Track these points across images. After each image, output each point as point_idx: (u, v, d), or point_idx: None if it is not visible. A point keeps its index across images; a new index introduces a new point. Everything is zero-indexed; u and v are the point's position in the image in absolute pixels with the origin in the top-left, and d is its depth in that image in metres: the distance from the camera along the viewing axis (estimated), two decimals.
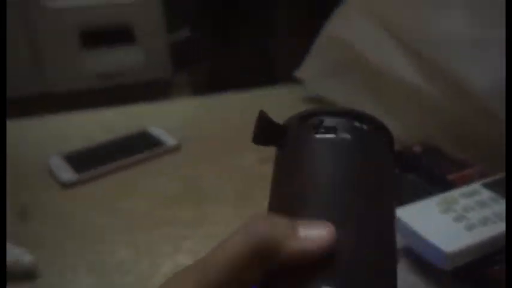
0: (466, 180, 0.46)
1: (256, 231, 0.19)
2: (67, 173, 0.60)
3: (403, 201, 0.44)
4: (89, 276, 0.44)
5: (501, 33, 0.48)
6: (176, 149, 0.66)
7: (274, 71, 0.99)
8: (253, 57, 1.04)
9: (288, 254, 0.19)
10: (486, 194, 0.41)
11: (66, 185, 0.59)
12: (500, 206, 0.39)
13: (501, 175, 0.44)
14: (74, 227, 0.52)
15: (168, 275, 0.20)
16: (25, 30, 1.12)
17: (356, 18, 0.69)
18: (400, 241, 0.43)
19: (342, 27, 0.71)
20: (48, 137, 0.74)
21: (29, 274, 0.44)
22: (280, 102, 0.75)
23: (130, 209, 0.54)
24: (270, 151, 0.24)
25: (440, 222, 0.38)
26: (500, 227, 0.37)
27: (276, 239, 0.19)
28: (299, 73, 0.79)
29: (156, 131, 0.69)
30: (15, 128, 0.70)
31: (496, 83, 0.47)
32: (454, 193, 0.42)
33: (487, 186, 0.42)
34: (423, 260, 0.38)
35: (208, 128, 0.72)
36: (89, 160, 0.63)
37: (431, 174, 0.49)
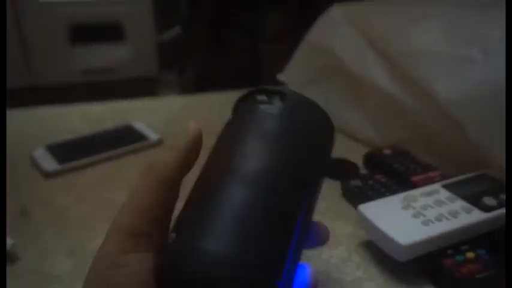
0: (428, 182, 0.49)
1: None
2: (50, 163, 0.62)
3: (371, 198, 0.47)
4: (68, 260, 0.46)
5: (472, 52, 0.51)
6: (158, 143, 0.68)
7: (261, 72, 1.01)
8: (242, 58, 1.06)
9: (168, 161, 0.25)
10: (444, 194, 0.44)
11: (48, 175, 0.61)
12: (455, 205, 0.42)
13: (459, 178, 0.47)
14: (54, 214, 0.54)
15: None
16: (14, 22, 1.13)
17: (338, 27, 0.71)
18: (363, 235, 0.46)
19: (325, 35, 0.74)
20: (33, 129, 0.75)
21: (9, 256, 0.45)
22: None
23: (111, 199, 0.56)
24: None
25: (400, 218, 0.41)
26: (453, 224, 0.40)
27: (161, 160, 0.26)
28: (282, 76, 0.82)
29: (140, 126, 0.71)
30: None
31: (462, 95, 0.50)
32: (416, 192, 0.45)
33: (446, 187, 0.45)
34: (383, 252, 0.41)
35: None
36: (72, 151, 0.65)
37: (398, 175, 0.52)
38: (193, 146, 0.27)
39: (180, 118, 0.78)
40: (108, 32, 1.00)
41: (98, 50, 0.97)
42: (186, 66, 1.10)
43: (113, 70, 0.96)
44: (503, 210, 0.42)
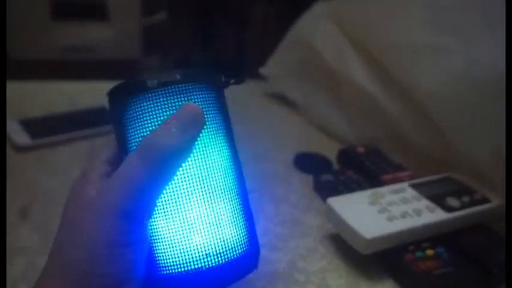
0: (397, 181, 0.50)
1: None
2: (22, 137, 0.61)
3: (341, 193, 0.48)
4: (33, 234, 0.45)
5: (455, 42, 0.52)
6: None
7: (244, 63, 1.02)
8: (225, 47, 1.06)
9: None
10: (410, 193, 0.46)
11: (20, 149, 0.60)
12: (420, 204, 0.44)
13: (426, 179, 0.49)
14: (23, 188, 0.53)
15: None
16: None
17: (321, 23, 0.72)
18: (330, 228, 0.47)
19: (307, 30, 0.75)
20: (9, 103, 0.74)
21: None
22: (243, 96, 0.78)
23: None
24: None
25: (366, 213, 0.42)
26: (416, 221, 0.41)
27: None
28: (264, 70, 0.83)
29: None
30: None
31: (441, 88, 0.51)
32: (383, 189, 0.46)
33: (412, 186, 0.47)
34: (347, 245, 0.42)
35: None
36: (46, 127, 0.64)
37: (368, 173, 0.54)
38: None
39: None
40: (91, 10, 0.98)
41: (80, 27, 0.95)
42: (169, 51, 1.09)
43: (94, 49, 0.94)
44: (464, 212, 0.43)
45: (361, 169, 0.55)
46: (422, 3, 0.61)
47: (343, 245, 0.43)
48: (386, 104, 0.59)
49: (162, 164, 0.25)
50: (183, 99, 0.27)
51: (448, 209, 0.43)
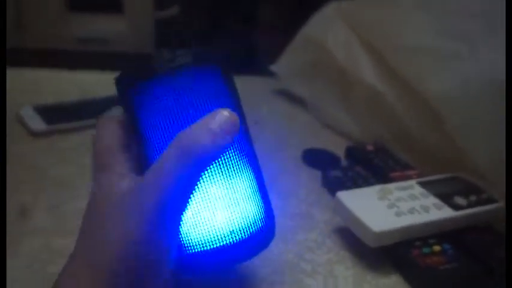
0: (405, 179, 0.51)
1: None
2: (37, 123, 0.62)
3: (349, 188, 0.49)
4: (47, 217, 0.46)
5: (459, 46, 0.53)
6: None
7: (255, 60, 1.02)
8: (238, 45, 1.07)
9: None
10: (418, 190, 0.46)
11: (34, 134, 0.61)
12: (428, 201, 0.44)
13: (434, 177, 0.49)
14: (35, 172, 0.54)
15: None
16: None
17: (332, 23, 0.73)
18: (337, 222, 0.47)
19: (319, 30, 0.76)
20: (22, 90, 0.75)
21: None
22: (253, 92, 0.79)
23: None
24: None
25: (375, 207, 0.43)
26: (424, 218, 0.42)
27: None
28: (275, 67, 0.83)
29: None
30: None
31: (450, 91, 0.52)
32: (392, 186, 0.47)
33: (420, 184, 0.48)
34: (355, 239, 0.43)
35: None
36: (61, 114, 0.65)
37: (377, 170, 0.54)
38: None
39: None
40: (106, 2, 0.99)
41: (95, 19, 0.96)
42: (181, 46, 1.10)
43: (108, 41, 0.96)
44: (471, 210, 0.44)
45: (369, 166, 0.55)
46: (433, 9, 0.62)
47: (351, 239, 0.44)
48: (395, 104, 0.60)
49: (201, 164, 0.27)
50: (193, 81, 0.28)
51: (455, 207, 0.44)
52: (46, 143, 0.61)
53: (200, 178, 0.28)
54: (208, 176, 0.28)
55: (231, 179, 0.29)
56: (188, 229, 0.29)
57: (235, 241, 0.29)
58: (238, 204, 0.29)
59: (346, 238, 0.45)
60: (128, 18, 1.02)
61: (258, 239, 0.30)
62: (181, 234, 0.29)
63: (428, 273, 0.39)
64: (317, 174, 0.56)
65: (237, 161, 0.29)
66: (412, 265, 0.40)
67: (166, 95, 0.28)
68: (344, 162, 0.60)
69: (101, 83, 0.80)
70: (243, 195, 0.29)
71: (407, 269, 0.41)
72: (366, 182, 0.52)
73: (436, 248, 0.41)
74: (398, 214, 0.42)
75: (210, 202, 0.28)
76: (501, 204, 0.46)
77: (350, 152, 0.60)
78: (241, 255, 0.30)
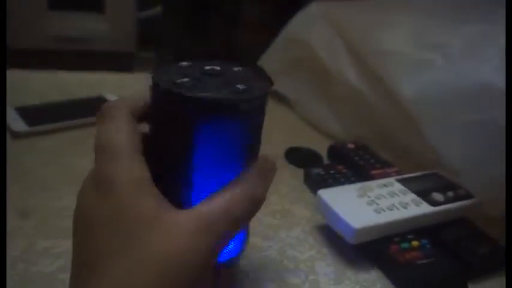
0: (385, 176, 0.52)
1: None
2: (18, 124, 0.62)
3: (331, 186, 0.50)
4: (31, 218, 0.46)
5: (435, 56, 0.55)
6: None
7: (237, 60, 1.03)
8: (219, 44, 1.08)
9: None
10: (397, 187, 0.47)
11: (16, 135, 0.61)
12: (406, 197, 0.46)
13: (413, 174, 0.51)
14: (18, 173, 0.54)
15: None
16: None
17: (316, 22, 0.74)
18: (319, 219, 0.48)
19: (302, 29, 0.76)
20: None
21: None
22: None
23: (75, 164, 0.56)
24: None
25: (355, 204, 0.44)
26: (402, 214, 0.43)
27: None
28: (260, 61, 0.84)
29: (112, 99, 0.71)
30: None
31: (422, 95, 0.53)
32: (372, 183, 0.48)
33: (399, 181, 0.49)
34: (336, 236, 0.43)
35: None
36: (42, 115, 0.64)
37: (358, 168, 0.55)
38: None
39: None
40: (88, 2, 0.99)
41: (76, 18, 0.95)
42: (163, 45, 1.10)
43: (88, 40, 0.95)
44: (448, 206, 0.45)
45: (350, 164, 0.56)
46: (414, 17, 0.63)
47: (332, 236, 0.45)
48: (375, 103, 0.61)
49: (257, 210, 0.29)
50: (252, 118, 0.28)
51: (433, 203, 0.45)
52: (28, 144, 0.60)
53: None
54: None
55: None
56: None
57: None
58: None
59: (328, 235, 0.46)
60: (109, 17, 1.01)
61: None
62: None
63: (406, 268, 0.40)
64: (299, 172, 0.57)
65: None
66: (391, 260, 0.41)
67: (233, 131, 0.27)
68: (326, 160, 0.61)
69: (82, 84, 0.80)
70: None
71: (387, 264, 0.42)
72: (347, 180, 0.53)
73: (415, 243, 0.42)
74: (377, 211, 0.43)
75: None
76: (477, 199, 0.47)
77: (332, 151, 0.61)
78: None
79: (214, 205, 0.26)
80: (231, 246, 0.31)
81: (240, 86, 0.27)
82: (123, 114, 0.28)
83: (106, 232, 0.24)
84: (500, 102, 0.46)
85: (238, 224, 0.27)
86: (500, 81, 0.46)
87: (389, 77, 0.57)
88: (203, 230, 0.25)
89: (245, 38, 1.09)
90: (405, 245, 0.42)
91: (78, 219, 0.27)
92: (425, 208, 0.44)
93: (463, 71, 0.50)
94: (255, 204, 0.28)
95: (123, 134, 0.27)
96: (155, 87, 0.28)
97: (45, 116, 0.64)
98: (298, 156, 0.60)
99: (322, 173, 0.55)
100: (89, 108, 0.68)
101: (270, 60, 0.83)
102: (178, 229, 0.24)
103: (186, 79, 0.27)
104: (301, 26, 0.77)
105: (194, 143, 0.26)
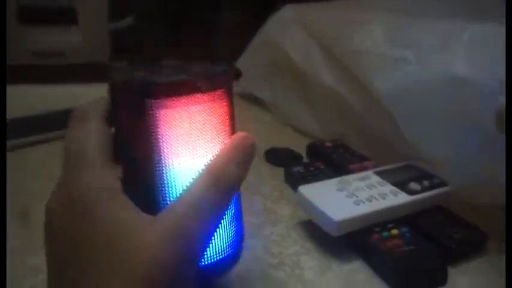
0: (363, 170, 0.53)
1: None
2: None
3: (310, 182, 0.51)
4: (19, 231, 0.46)
5: (407, 53, 0.56)
6: None
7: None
8: (195, 52, 1.08)
9: None
10: (375, 179, 0.49)
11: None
12: (384, 188, 0.47)
13: (390, 166, 0.52)
14: (10, 187, 0.53)
15: None
16: None
17: (289, 26, 0.75)
18: (301, 215, 0.49)
19: (276, 33, 0.78)
20: None
21: None
22: None
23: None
24: None
25: (335, 198, 0.45)
26: (381, 204, 0.44)
27: None
28: (238, 64, 0.85)
29: None
30: None
31: (396, 91, 0.55)
32: (350, 177, 0.49)
33: (377, 173, 0.50)
34: (318, 230, 0.44)
35: None
36: (24, 128, 0.64)
37: (336, 164, 0.57)
38: None
39: None
40: (59, 14, 0.98)
41: (48, 32, 0.95)
42: (138, 55, 1.10)
43: (63, 54, 0.94)
44: (425, 194, 0.47)
45: (329, 161, 0.58)
46: (386, 16, 0.65)
47: (314, 231, 0.45)
48: (352, 102, 0.62)
49: (233, 195, 0.28)
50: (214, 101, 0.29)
51: (411, 192, 0.46)
52: (15, 157, 0.59)
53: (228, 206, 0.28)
54: None
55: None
56: None
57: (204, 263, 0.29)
58: (223, 233, 0.30)
59: (310, 230, 0.47)
60: (82, 29, 1.01)
61: (220, 264, 0.31)
62: None
63: (387, 255, 0.41)
64: (280, 171, 0.58)
65: None
66: (372, 249, 0.42)
67: (193, 114, 0.27)
68: (305, 159, 0.62)
69: (62, 95, 0.79)
70: (226, 228, 0.31)
71: (369, 254, 0.43)
72: (326, 176, 0.54)
73: (394, 231, 0.44)
74: (357, 203, 0.44)
75: None
76: (452, 187, 0.49)
77: (310, 149, 0.62)
78: (204, 278, 0.30)
79: (181, 204, 0.26)
80: (217, 248, 0.30)
81: (194, 72, 0.28)
82: (93, 117, 0.28)
83: (89, 250, 0.24)
84: (469, 93, 0.48)
85: (210, 216, 0.26)
86: (467, 72, 0.48)
87: (364, 76, 0.59)
88: (174, 234, 0.24)
89: (223, 44, 1.10)
90: (385, 233, 0.43)
91: (55, 237, 0.26)
92: (403, 198, 0.46)
93: (432, 65, 0.52)
94: (225, 190, 0.27)
95: (95, 139, 0.27)
96: (110, 86, 0.28)
97: (28, 128, 0.64)
98: (277, 156, 0.61)
99: (302, 170, 0.56)
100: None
101: (246, 63, 0.84)
102: (152, 237, 0.24)
103: (140, 74, 0.28)
104: (275, 29, 0.79)
105: (154, 133, 0.26)
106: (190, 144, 0.28)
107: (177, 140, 0.27)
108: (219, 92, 0.29)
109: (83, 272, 0.24)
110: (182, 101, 0.27)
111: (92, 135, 0.27)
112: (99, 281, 0.23)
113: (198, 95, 0.27)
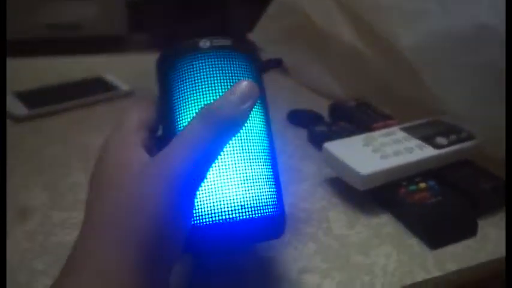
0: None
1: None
2: (19, 108, 0.62)
3: (333, 140, 0.51)
4: (43, 192, 0.47)
5: (430, 5, 0.55)
6: (129, 94, 0.69)
7: (232, 33, 1.03)
8: (211, 21, 1.07)
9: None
10: (401, 135, 0.48)
11: (17, 120, 0.61)
12: (411, 143, 0.46)
13: (416, 122, 0.51)
14: (26, 155, 0.54)
15: None
16: None
17: None
18: (326, 173, 0.49)
19: None
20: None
21: None
22: None
23: (83, 142, 0.57)
24: None
25: (361, 153, 0.45)
26: (408, 158, 0.44)
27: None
28: (252, 36, 0.84)
29: (110, 78, 0.72)
30: None
31: (420, 43, 0.53)
32: (376, 133, 0.49)
33: (403, 129, 0.49)
34: (344, 186, 0.44)
35: None
36: (42, 98, 0.64)
37: (360, 123, 0.56)
38: None
39: (151, 73, 0.78)
40: None
41: (64, 5, 0.95)
42: (154, 27, 1.10)
43: (79, 27, 0.94)
44: (452, 148, 0.46)
45: (352, 120, 0.57)
46: None
47: (341, 186, 0.46)
48: (373, 59, 0.61)
49: (224, 131, 0.27)
50: (230, 63, 0.30)
51: (437, 146, 0.46)
52: (31, 127, 0.60)
53: (223, 147, 0.28)
54: (228, 149, 0.28)
55: (249, 154, 0.29)
56: (199, 197, 0.28)
57: (244, 217, 0.28)
58: (253, 181, 0.29)
59: (337, 186, 0.47)
60: (98, 1, 1.00)
61: (268, 223, 0.29)
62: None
63: (415, 208, 0.41)
64: (303, 132, 0.58)
65: (257, 138, 0.30)
66: (400, 203, 0.42)
67: (203, 71, 0.29)
68: (327, 119, 0.62)
69: (78, 66, 0.79)
70: (259, 175, 0.29)
71: (396, 207, 0.43)
72: (350, 134, 0.53)
73: (422, 185, 0.43)
74: (383, 157, 0.44)
75: (225, 174, 0.28)
76: (479, 140, 0.48)
77: (333, 109, 0.62)
78: (248, 235, 0.29)
79: (172, 144, 0.27)
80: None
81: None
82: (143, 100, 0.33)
83: (97, 187, 0.27)
84: (497, 43, 0.46)
85: (196, 149, 0.26)
86: (494, 22, 0.47)
87: (386, 30, 0.57)
88: (162, 173, 0.26)
89: (238, 11, 1.09)
90: (413, 187, 0.43)
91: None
92: (430, 151, 0.45)
93: (458, 16, 0.51)
94: (214, 124, 0.27)
95: (133, 114, 0.31)
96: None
97: (45, 98, 0.64)
98: (300, 117, 0.61)
99: (325, 130, 0.55)
100: (89, 88, 0.68)
101: (264, 29, 0.83)
102: (147, 174, 0.26)
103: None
104: None
105: (175, 90, 0.30)
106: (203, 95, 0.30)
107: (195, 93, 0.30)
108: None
109: (91, 204, 0.27)
110: (189, 56, 0.30)
111: (133, 111, 0.31)
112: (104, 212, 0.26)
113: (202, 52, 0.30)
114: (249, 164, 0.29)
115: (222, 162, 0.28)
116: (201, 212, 0.28)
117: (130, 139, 0.29)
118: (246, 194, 0.28)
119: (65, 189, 0.47)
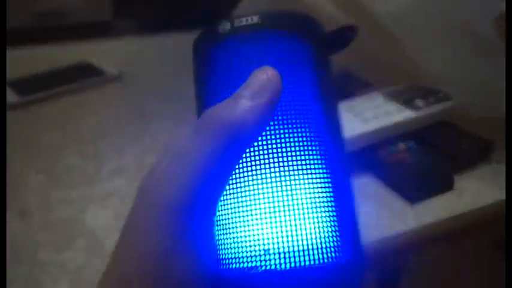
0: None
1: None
2: (10, 96, 0.63)
3: None
4: (38, 175, 0.49)
5: None
6: (117, 78, 0.70)
7: (219, 13, 1.03)
8: (196, 6, 1.08)
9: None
10: (381, 100, 0.50)
11: (10, 107, 0.62)
12: (390, 107, 0.48)
13: (395, 88, 0.53)
14: (21, 142, 0.55)
15: (112, 172, 0.25)
16: None
17: None
18: None
19: None
20: None
21: None
22: None
23: (77, 126, 0.58)
24: None
25: (343, 118, 0.47)
26: (388, 120, 0.46)
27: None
28: (237, 11, 0.85)
29: (99, 63, 0.73)
30: None
31: (397, 9, 0.55)
32: (357, 100, 0.51)
33: (383, 94, 0.51)
34: None
35: (149, 63, 0.76)
36: (33, 85, 0.66)
37: (343, 93, 0.58)
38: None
39: (139, 57, 0.80)
40: None
41: None
42: (140, 12, 1.10)
43: (65, 14, 0.95)
44: (430, 109, 0.48)
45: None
46: None
47: None
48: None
49: (231, 140, 0.19)
50: (266, 47, 0.22)
51: (416, 108, 0.48)
52: (23, 114, 0.62)
53: (233, 162, 0.20)
54: (255, 169, 0.20)
55: (290, 177, 0.20)
56: (223, 237, 0.20)
57: (284, 267, 0.19)
58: (298, 216, 0.19)
59: None
60: None
61: (324, 273, 0.19)
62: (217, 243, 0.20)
63: (396, 167, 0.43)
64: None
65: (301, 151, 0.20)
66: (381, 163, 0.44)
67: (238, 55, 0.22)
68: None
69: (66, 54, 0.80)
70: (308, 204, 0.20)
71: (378, 168, 0.45)
72: None
73: (401, 146, 0.45)
74: (365, 121, 0.46)
75: (255, 207, 0.19)
76: (456, 101, 0.50)
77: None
78: None
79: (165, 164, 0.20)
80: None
81: None
82: None
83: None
84: (470, 3, 0.48)
85: (189, 163, 0.19)
86: None
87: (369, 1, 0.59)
88: (201, 131, 0.19)
89: None
90: (393, 148, 0.45)
91: None
92: (408, 113, 0.47)
93: None
94: (209, 131, 0.19)
95: None
96: None
97: (36, 85, 0.66)
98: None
99: None
100: (78, 74, 0.69)
101: (250, 4, 0.84)
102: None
103: None
104: None
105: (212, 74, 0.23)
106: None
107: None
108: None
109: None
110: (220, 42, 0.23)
111: None
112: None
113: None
114: (289, 191, 0.20)
115: (246, 190, 0.20)
116: (226, 254, 0.20)
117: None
118: (284, 235, 0.19)
119: (59, 171, 0.49)
